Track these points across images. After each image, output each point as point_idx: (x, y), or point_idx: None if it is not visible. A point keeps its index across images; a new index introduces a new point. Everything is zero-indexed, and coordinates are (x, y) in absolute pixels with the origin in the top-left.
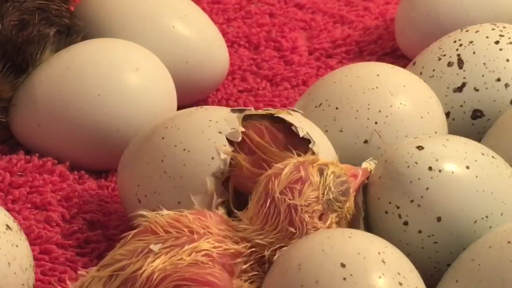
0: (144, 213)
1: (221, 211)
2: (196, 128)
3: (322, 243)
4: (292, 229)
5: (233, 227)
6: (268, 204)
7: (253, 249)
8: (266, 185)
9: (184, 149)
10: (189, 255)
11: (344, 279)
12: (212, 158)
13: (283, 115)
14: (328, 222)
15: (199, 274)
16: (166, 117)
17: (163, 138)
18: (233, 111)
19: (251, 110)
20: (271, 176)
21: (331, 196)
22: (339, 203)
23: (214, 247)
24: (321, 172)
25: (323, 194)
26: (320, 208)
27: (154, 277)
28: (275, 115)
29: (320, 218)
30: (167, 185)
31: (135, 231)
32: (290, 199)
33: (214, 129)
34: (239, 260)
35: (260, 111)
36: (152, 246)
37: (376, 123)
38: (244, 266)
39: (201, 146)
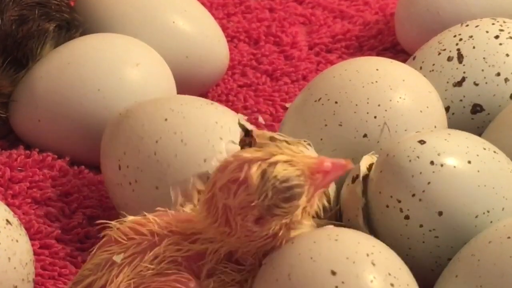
0: (108, 222)
1: (187, 208)
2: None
3: (309, 249)
4: (227, 229)
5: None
6: (211, 195)
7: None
8: (214, 175)
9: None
10: (152, 263)
11: (336, 287)
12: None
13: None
14: (268, 226)
15: (166, 282)
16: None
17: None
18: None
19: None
20: (219, 167)
21: (267, 203)
22: (281, 209)
23: (178, 251)
24: (263, 174)
25: (259, 199)
26: (256, 212)
27: None
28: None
29: (256, 222)
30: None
31: (100, 243)
32: (225, 198)
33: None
34: (205, 260)
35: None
36: (114, 257)
37: (375, 117)
38: (211, 265)
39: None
